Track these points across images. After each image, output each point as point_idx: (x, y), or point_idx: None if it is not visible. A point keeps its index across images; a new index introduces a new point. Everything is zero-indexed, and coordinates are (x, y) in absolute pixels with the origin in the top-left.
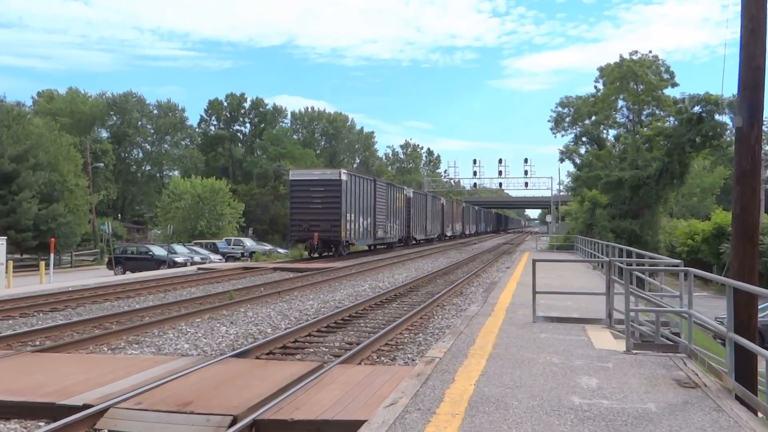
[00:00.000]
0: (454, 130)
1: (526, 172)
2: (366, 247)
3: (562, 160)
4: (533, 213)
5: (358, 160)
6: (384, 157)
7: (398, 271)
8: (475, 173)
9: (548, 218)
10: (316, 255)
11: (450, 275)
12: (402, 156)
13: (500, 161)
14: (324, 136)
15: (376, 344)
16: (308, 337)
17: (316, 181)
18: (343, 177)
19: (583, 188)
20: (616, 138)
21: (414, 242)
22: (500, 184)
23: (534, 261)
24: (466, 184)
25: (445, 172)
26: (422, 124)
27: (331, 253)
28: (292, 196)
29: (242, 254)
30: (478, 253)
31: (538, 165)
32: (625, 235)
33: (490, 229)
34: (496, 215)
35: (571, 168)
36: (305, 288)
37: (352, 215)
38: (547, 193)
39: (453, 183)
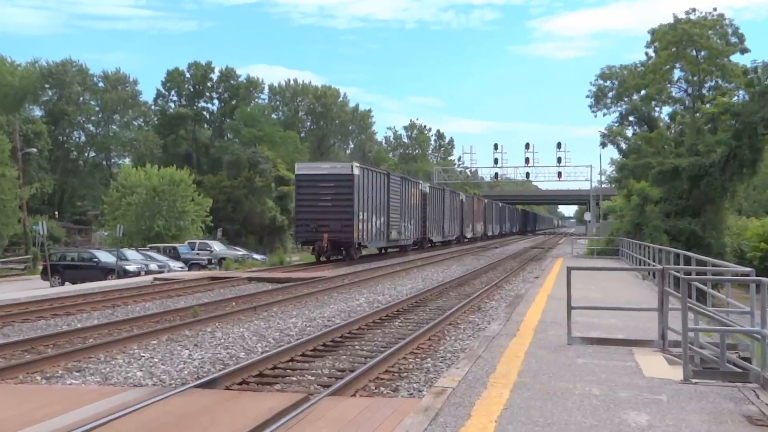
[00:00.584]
0: (471, 108)
1: (559, 160)
2: (376, 251)
3: (603, 145)
4: (568, 210)
5: (352, 145)
6: (384, 142)
7: (401, 282)
8: (496, 161)
9: (587, 216)
10: (324, 259)
11: (465, 286)
12: (406, 140)
13: (527, 146)
14: (310, 116)
15: (374, 371)
16: (290, 363)
17: (325, 176)
18: (356, 171)
19: (630, 179)
20: (672, 117)
21: (429, 245)
22: (527, 175)
23: (569, 269)
24: (486, 174)
25: (459, 159)
26: (431, 100)
27: (341, 257)
28: (298, 193)
29: (209, 261)
30: (500, 260)
31: (574, 151)
32: (683, 237)
33: (516, 229)
34: (522, 213)
35: (615, 155)
36: (287, 302)
37: (365, 214)
38: (586, 186)
39: (469, 173)
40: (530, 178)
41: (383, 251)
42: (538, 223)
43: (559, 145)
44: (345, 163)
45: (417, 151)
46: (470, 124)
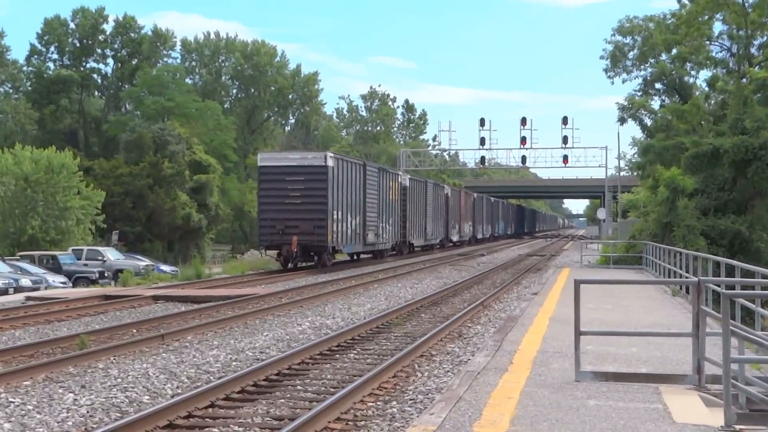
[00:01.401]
0: (450, 72)
1: (564, 140)
2: (348, 257)
3: (622, 121)
4: (576, 206)
5: (293, 120)
6: (335, 115)
7: (362, 300)
8: (482, 141)
9: (600, 214)
10: (292, 266)
11: (443, 306)
12: (364, 113)
13: (524, 122)
14: (237, 81)
15: (322, 419)
16: (211, 410)
17: (294, 168)
18: (330, 162)
19: (657, 165)
20: (711, 84)
21: (409, 250)
22: (524, 160)
23: (578, 283)
24: (469, 159)
25: (434, 139)
26: (398, 61)
27: (312, 264)
28: (262, 188)
29: (101, 275)
30: (488, 270)
31: (584, 129)
32: (725, 241)
33: (511, 230)
34: (517, 209)
35: (638, 133)
36: (206, 329)
37: (340, 213)
38: (599, 174)
39: (447, 157)
40: (527, 164)
41: (356, 257)
42: (537, 222)
43: (564, 121)
44: (317, 153)
45: (379, 128)
46: (449, 92)
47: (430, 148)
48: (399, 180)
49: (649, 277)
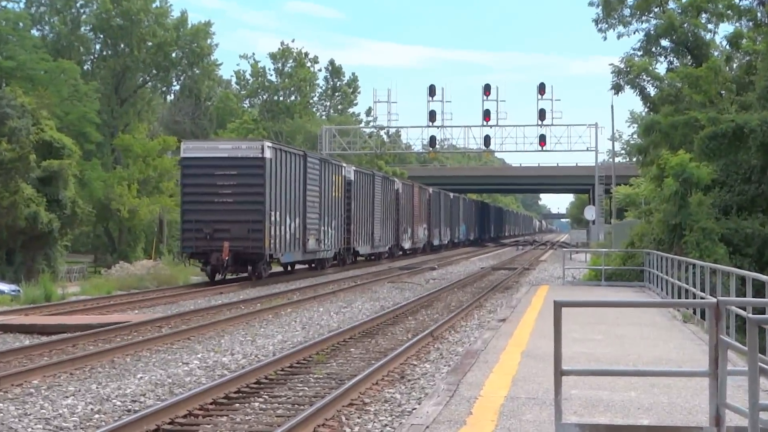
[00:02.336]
0: (390, 25)
1: (542, 115)
2: (282, 267)
3: (617, 89)
4: (557, 202)
5: (177, 87)
6: (234, 80)
7: (267, 332)
8: (433, 116)
9: (588, 213)
10: (222, 277)
11: (379, 337)
12: (273, 77)
13: (487, 90)
14: (102, 33)
15: None
16: None
17: (225, 160)
18: (267, 153)
19: (663, 148)
20: (733, 41)
21: (353, 260)
22: (487, 141)
23: (558, 305)
24: (415, 139)
25: (368, 114)
26: (320, 8)
27: (246, 275)
28: (186, 185)
29: None
30: (440, 289)
31: (567, 100)
32: (752, 249)
33: (473, 235)
34: (480, 207)
35: (638, 106)
36: (58, 369)
37: (278, 214)
38: (588, 160)
39: (386, 137)
40: (492, 147)
41: (289, 269)
42: (506, 224)
43: (541, 90)
44: (252, 141)
45: (294, 98)
46: (388, 51)
47: (362, 125)
48: (343, 173)
49: (652, 298)
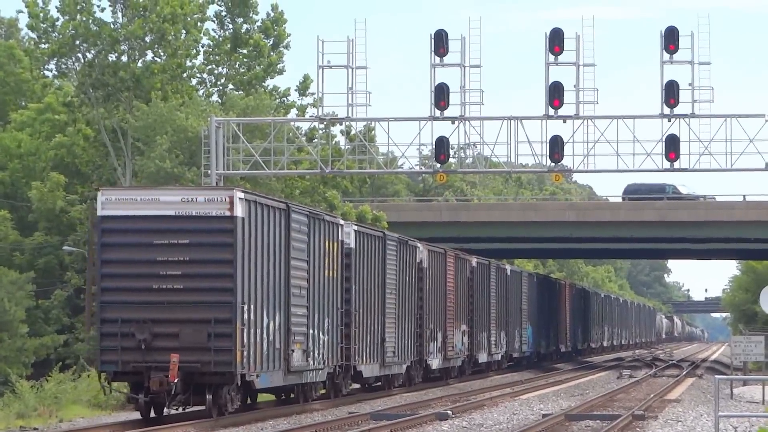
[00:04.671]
0: None
1: (670, 92)
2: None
3: None
4: (700, 278)
5: None
6: (27, 17)
7: None
8: (441, 94)
9: None
10: (169, 411)
11: None
12: (106, 11)
13: (556, 43)
14: None
15: None
16: None
17: (170, 219)
18: (239, 209)
19: None
20: None
21: (350, 384)
22: (556, 147)
23: None
24: (407, 147)
25: (303, 90)
26: None
27: (203, 407)
28: (105, 260)
29: None
30: None
31: (719, 60)
32: None
33: (549, 344)
34: (577, 294)
35: None
36: None
37: (253, 308)
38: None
39: (345, 138)
40: (568, 162)
41: (219, 410)
42: (596, 322)
43: (669, 40)
44: (214, 190)
45: (150, 59)
46: None
47: (294, 115)
48: (340, 236)
49: None
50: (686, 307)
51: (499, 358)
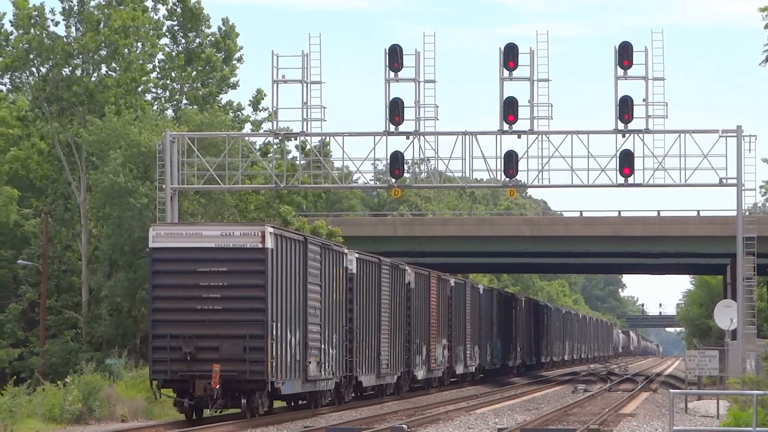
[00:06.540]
0: None
1: (624, 108)
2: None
3: None
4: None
5: None
6: None
7: None
8: (395, 109)
9: (721, 315)
10: (212, 413)
11: None
12: (60, 25)
13: (510, 58)
14: None
15: None
16: None
17: (211, 251)
18: (269, 242)
19: None
20: None
21: (354, 394)
22: (510, 161)
23: None
24: (362, 162)
25: (256, 104)
26: None
27: (238, 410)
28: (156, 285)
29: None
30: None
31: (674, 76)
32: None
33: (517, 357)
34: (530, 307)
35: None
36: None
37: (279, 326)
38: (720, 205)
39: (299, 152)
40: (522, 177)
41: (260, 409)
42: (555, 336)
43: (624, 55)
44: (249, 227)
45: (104, 72)
46: None
47: (248, 128)
48: (344, 263)
49: None
50: (641, 322)
51: (473, 369)
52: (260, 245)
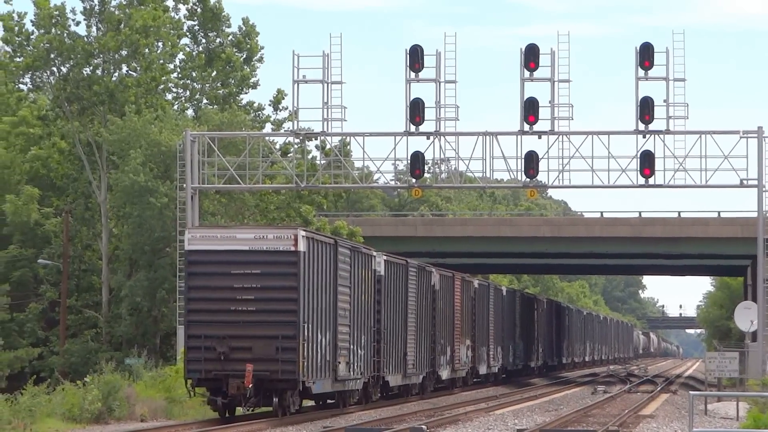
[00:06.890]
0: None
1: (645, 109)
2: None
3: None
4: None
5: None
6: None
7: None
8: (416, 110)
9: (742, 317)
10: (246, 411)
11: None
12: (81, 25)
13: (531, 59)
14: None
15: None
16: None
17: (244, 254)
18: (301, 245)
19: None
20: None
21: (381, 393)
22: (531, 163)
23: None
24: (382, 162)
25: (277, 104)
26: None
27: (270, 408)
28: (192, 286)
29: None
30: None
31: (694, 77)
32: None
33: (538, 357)
34: (550, 309)
35: None
36: None
37: (310, 327)
38: (741, 206)
39: (319, 152)
40: (542, 177)
41: (283, 411)
42: (575, 338)
43: (645, 56)
44: (281, 230)
45: (125, 72)
46: None
47: (269, 130)
48: (373, 265)
49: None
50: (661, 323)
51: (496, 370)
52: (293, 248)
